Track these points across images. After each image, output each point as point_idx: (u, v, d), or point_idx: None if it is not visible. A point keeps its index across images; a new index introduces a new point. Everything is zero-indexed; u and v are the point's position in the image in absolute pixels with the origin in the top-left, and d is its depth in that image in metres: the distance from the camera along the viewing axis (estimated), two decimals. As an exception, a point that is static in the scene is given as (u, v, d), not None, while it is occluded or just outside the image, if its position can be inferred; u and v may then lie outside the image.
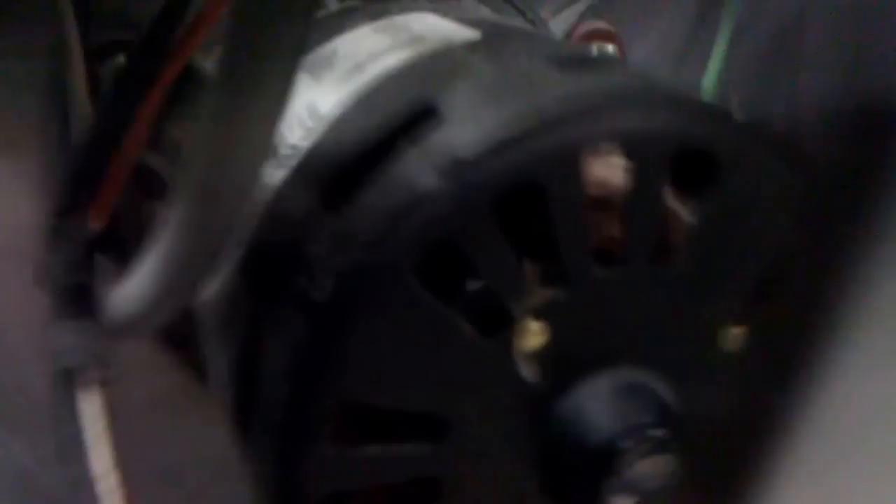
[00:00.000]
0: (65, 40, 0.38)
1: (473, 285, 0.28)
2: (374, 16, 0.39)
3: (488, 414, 0.29)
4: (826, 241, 0.18)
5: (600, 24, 0.46)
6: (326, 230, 0.29)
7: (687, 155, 0.28)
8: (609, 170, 0.29)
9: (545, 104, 0.28)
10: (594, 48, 0.44)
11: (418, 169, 0.28)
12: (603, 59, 0.36)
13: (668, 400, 0.29)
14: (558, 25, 0.46)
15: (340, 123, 0.32)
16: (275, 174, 0.32)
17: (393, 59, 0.33)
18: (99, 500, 0.31)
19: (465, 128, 0.28)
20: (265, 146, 0.25)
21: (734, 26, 0.43)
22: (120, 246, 0.37)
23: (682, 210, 0.30)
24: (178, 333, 0.43)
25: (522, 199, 0.27)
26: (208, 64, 0.39)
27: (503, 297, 0.28)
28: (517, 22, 0.45)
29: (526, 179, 0.27)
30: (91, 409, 0.33)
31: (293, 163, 0.32)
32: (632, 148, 0.28)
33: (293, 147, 0.32)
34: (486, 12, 0.45)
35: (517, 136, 0.27)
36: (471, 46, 0.34)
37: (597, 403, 0.29)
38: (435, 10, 0.39)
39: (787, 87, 0.42)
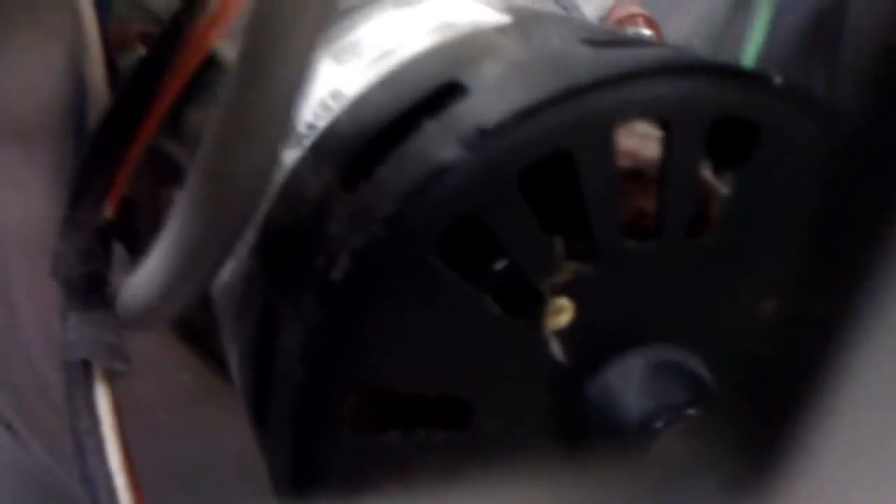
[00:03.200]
0: (84, 31, 0.37)
1: (499, 263, 0.27)
2: (403, 3, 0.37)
3: (515, 397, 0.27)
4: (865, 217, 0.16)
5: (635, 9, 0.45)
6: (344, 208, 0.27)
7: (725, 123, 0.27)
8: (638, 140, 0.28)
9: (575, 71, 0.27)
10: (630, 32, 0.42)
11: (439, 141, 0.26)
12: (638, 39, 0.35)
13: (704, 378, 0.27)
14: (592, 11, 0.44)
15: (361, 102, 0.31)
16: (290, 154, 0.30)
17: (421, 44, 0.32)
18: (115, 494, 0.30)
19: (490, 99, 0.27)
20: (282, 127, 0.24)
21: (774, 6, 0.42)
22: (136, 235, 0.36)
23: (716, 183, 0.28)
24: (196, 325, 0.42)
25: (548, 169, 0.26)
26: (230, 53, 0.38)
27: (531, 273, 0.26)
28: (549, 6, 0.44)
29: (554, 149, 0.26)
30: (105, 402, 0.32)
31: (309, 142, 0.30)
32: (668, 114, 0.26)
33: (310, 126, 0.31)
34: (516, -3, 0.43)
35: (544, 102, 0.26)
36: (501, 28, 0.33)
37: (629, 382, 0.27)
38: (464, -4, 0.38)
39: (827, 67, 0.40)
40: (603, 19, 0.46)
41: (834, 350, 0.16)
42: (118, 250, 0.35)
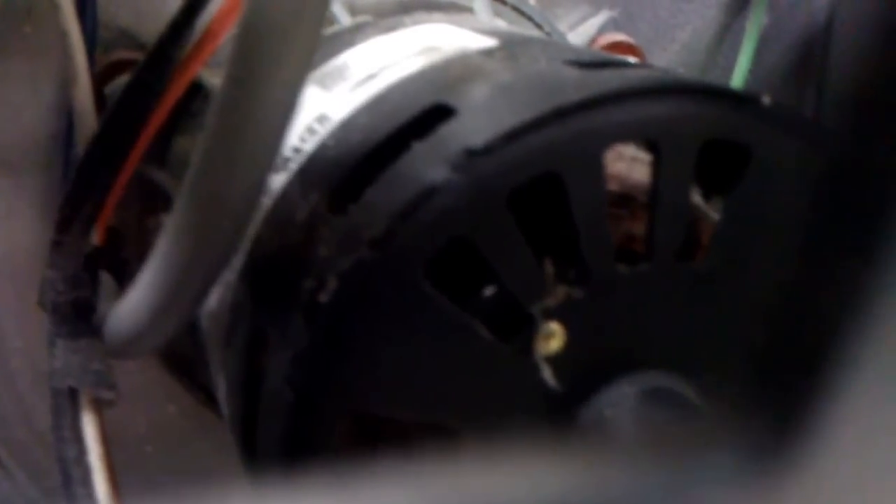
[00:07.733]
0: (72, 61, 0.37)
1: (489, 286, 0.27)
2: (387, 29, 0.38)
3: (505, 424, 0.27)
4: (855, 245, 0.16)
5: (620, 37, 0.45)
6: (333, 231, 0.27)
7: (714, 146, 0.27)
8: (627, 164, 0.28)
9: (562, 92, 0.27)
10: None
11: (427, 162, 0.26)
12: (625, 61, 0.35)
13: (697, 404, 0.27)
14: (577, 39, 0.44)
15: (348, 125, 0.30)
16: (276, 178, 0.30)
17: (407, 68, 0.32)
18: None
19: (478, 120, 0.27)
20: (268, 153, 0.24)
21: (760, 35, 0.42)
22: (123, 264, 0.36)
23: (706, 208, 0.28)
24: (183, 355, 0.41)
25: (537, 192, 0.26)
26: (215, 80, 0.38)
27: (522, 297, 0.26)
28: (534, 34, 0.44)
29: (543, 170, 0.25)
30: (92, 431, 0.32)
31: (296, 166, 0.30)
32: (657, 135, 0.26)
33: (296, 150, 0.30)
34: (502, 24, 0.43)
35: (532, 123, 0.25)
36: (487, 51, 0.32)
37: (621, 410, 0.27)
38: (450, 22, 0.38)
39: (814, 95, 0.40)
40: (588, 46, 0.46)
41: (826, 368, 0.16)
42: (106, 279, 0.35)
